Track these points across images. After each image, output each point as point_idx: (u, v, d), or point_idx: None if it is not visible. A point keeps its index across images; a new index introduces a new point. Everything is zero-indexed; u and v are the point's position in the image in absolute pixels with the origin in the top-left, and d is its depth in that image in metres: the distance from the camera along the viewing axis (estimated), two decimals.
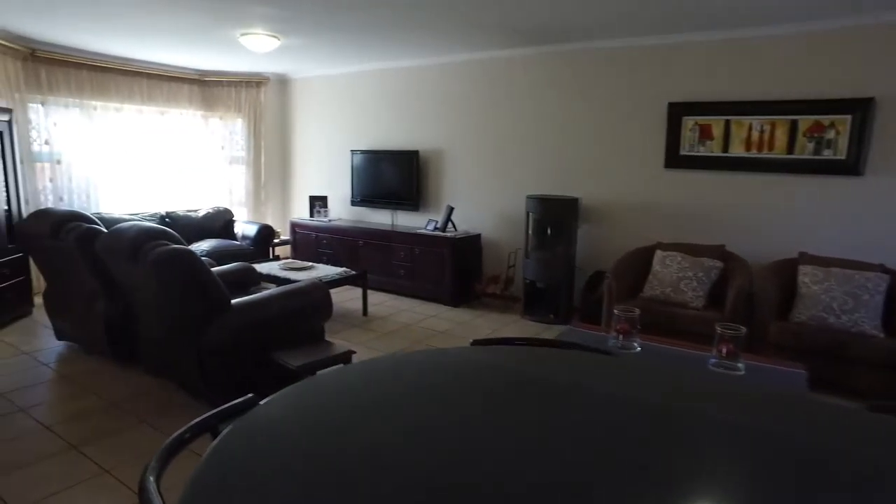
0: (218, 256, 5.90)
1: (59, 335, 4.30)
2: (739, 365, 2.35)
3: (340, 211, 7.14)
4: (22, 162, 5.34)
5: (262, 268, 5.22)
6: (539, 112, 5.50)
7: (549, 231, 5.26)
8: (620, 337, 2.47)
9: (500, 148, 5.79)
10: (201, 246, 6.07)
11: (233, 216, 6.85)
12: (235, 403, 1.13)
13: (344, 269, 5.24)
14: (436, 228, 5.88)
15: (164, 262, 2.88)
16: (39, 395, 3.46)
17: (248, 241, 6.43)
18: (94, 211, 6.14)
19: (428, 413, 1.15)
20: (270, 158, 7.58)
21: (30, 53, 5.64)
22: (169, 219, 6.29)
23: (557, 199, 5.15)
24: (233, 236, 6.59)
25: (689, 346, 2.71)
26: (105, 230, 3.54)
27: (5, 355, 4.10)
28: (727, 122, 4.57)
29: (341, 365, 3.10)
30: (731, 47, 4.50)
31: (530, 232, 5.35)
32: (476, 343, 1.62)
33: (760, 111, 4.40)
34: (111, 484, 2.55)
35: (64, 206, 5.98)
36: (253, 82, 7.25)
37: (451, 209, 5.82)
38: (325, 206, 6.99)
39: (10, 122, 4.89)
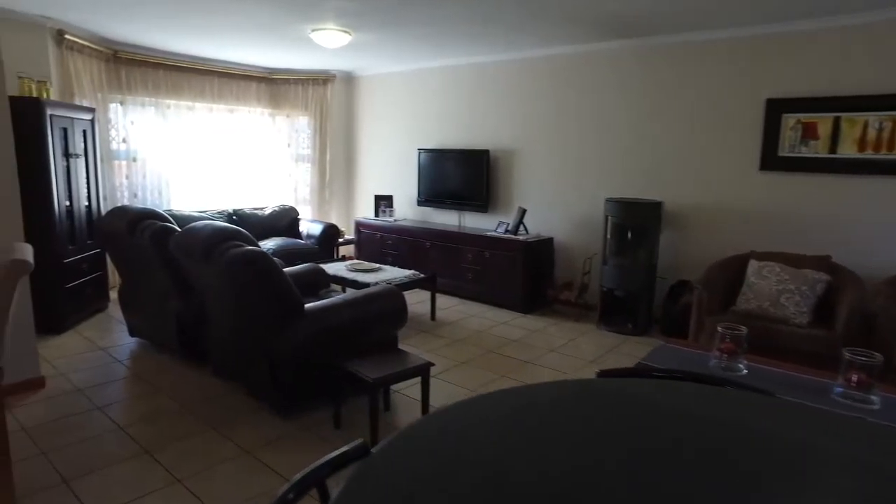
0: (284, 255, 5.87)
1: (132, 331, 4.32)
2: (873, 398, 2.03)
3: (406, 211, 7.01)
4: (102, 160, 5.44)
5: (329, 268, 5.13)
6: (620, 109, 5.18)
7: (629, 236, 4.94)
8: (724, 357, 2.18)
9: (577, 148, 5.50)
10: (267, 244, 6.05)
11: (298, 214, 6.82)
12: (345, 452, 0.94)
13: (412, 271, 5.08)
14: (507, 231, 5.65)
15: (238, 263, 2.78)
16: (114, 393, 3.44)
17: (312, 241, 6.37)
18: (165, 208, 6.23)
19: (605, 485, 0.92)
20: (335, 156, 7.53)
21: (112, 55, 5.76)
22: (236, 216, 6.31)
23: (639, 203, 4.83)
24: (298, 235, 6.55)
25: (801, 371, 2.38)
26: (178, 228, 3.49)
27: (83, 349, 4.14)
28: (836, 120, 4.14)
29: (451, 403, 2.92)
30: (842, 35, 4.07)
31: (609, 237, 5.04)
32: (603, 374, 1.38)
33: (879, 106, 3.95)
34: (182, 495, 2.45)
35: (138, 204, 6.09)
36: (320, 80, 7.21)
37: (524, 211, 5.57)
38: (391, 205, 6.87)
39: (92, 122, 4.98)
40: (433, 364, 3.00)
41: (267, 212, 6.57)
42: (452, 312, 5.41)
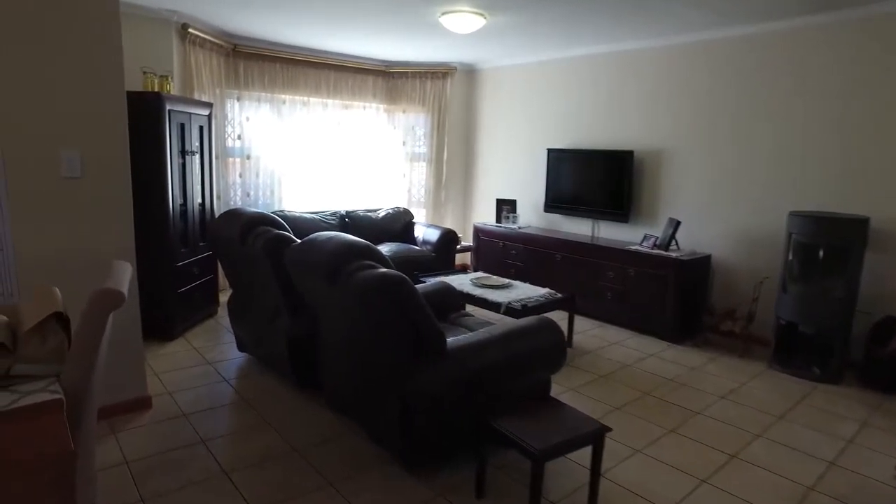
0: (399, 263, 5.37)
1: (241, 346, 3.95)
2: None
3: (530, 217, 6.32)
4: (217, 157, 5.19)
5: (451, 282, 4.56)
6: (809, 102, 4.22)
7: (820, 259, 3.98)
8: None
9: (743, 148, 4.58)
10: (381, 250, 5.58)
11: (412, 218, 6.34)
12: None
13: (547, 290, 4.39)
14: (655, 245, 4.82)
15: (372, 290, 2.23)
16: (220, 422, 3.03)
17: (429, 247, 5.85)
18: (276, 208, 5.94)
19: None
20: (453, 156, 6.98)
21: (232, 49, 5.52)
22: (349, 219, 5.90)
23: (837, 218, 3.86)
24: (412, 240, 6.06)
25: None
26: (296, 238, 3.02)
27: (190, 363, 3.82)
28: None
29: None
30: None
31: (791, 258, 4.10)
32: None
33: None
34: None
35: (250, 203, 5.83)
36: (439, 73, 6.68)
37: (677, 224, 4.72)
38: (514, 210, 6.22)
39: (209, 117, 4.71)
40: (610, 429, 2.30)
41: (381, 214, 6.13)
42: (590, 338, 4.67)
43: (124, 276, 1.63)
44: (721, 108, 4.69)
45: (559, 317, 5.02)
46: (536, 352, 2.62)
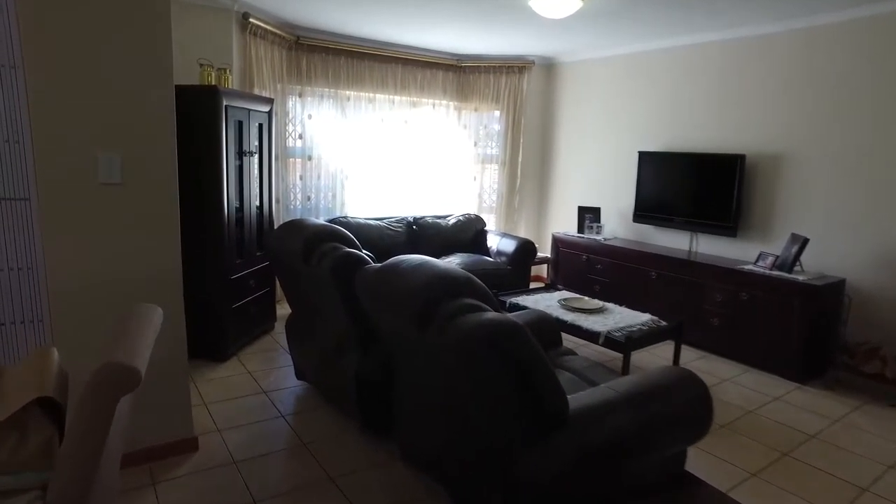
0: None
1: (299, 374, 3.50)
2: None
3: (615, 227, 5.66)
4: (277, 158, 4.79)
5: (530, 301, 3.98)
6: None
7: None
8: None
9: (893, 153, 3.80)
10: (451, 261, 5.06)
11: (485, 225, 5.79)
12: None
13: (649, 316, 3.74)
14: (774, 266, 4.10)
15: (480, 341, 1.68)
16: (275, 475, 2.56)
17: (503, 259, 5.28)
18: (339, 214, 5.50)
19: None
20: (529, 158, 6.38)
21: (295, 41, 5.12)
22: (416, 226, 5.40)
23: None
24: (485, 250, 5.51)
25: None
26: (370, 258, 2.52)
27: (243, 391, 3.39)
28: None
29: None
30: None
31: None
32: None
33: None
34: None
35: (310, 207, 5.41)
36: (515, 67, 6.10)
37: (805, 241, 3.98)
38: (598, 219, 5.58)
39: (270, 114, 4.29)
40: None
41: (451, 221, 5.60)
42: (696, 373, 3.99)
43: (147, 330, 1.14)
44: (859, 105, 3.92)
45: (664, 349, 4.38)
46: (676, 416, 2.02)
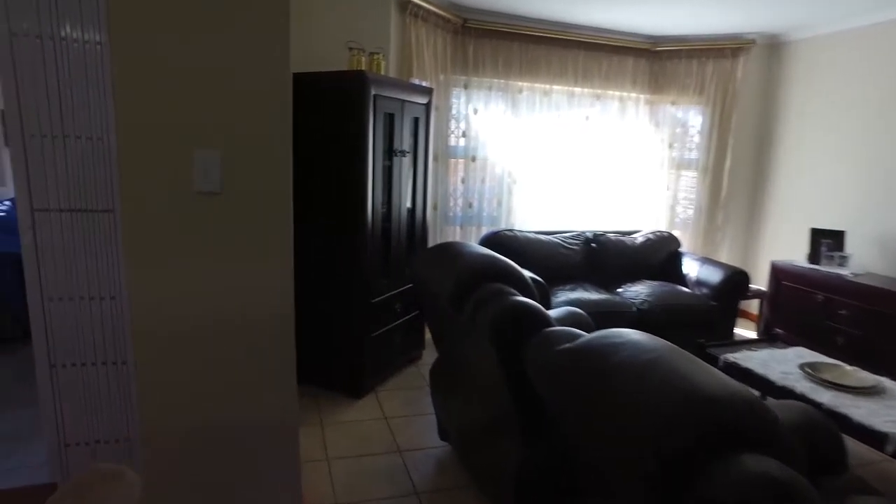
0: (663, 312, 3.81)
1: (443, 433, 2.76)
2: None
3: (865, 257, 4.19)
4: (435, 158, 4.14)
5: (760, 363, 2.87)
6: None
7: None
8: None
9: None
10: (638, 292, 4.04)
11: (679, 246, 4.67)
12: None
13: None
14: None
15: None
16: None
17: (705, 291, 4.12)
18: (504, 225, 4.73)
19: None
20: (739, 163, 5.07)
21: (461, 24, 4.44)
22: (596, 243, 4.45)
23: None
24: (680, 278, 4.39)
25: None
26: (549, 318, 1.67)
27: (375, 444, 2.75)
28: None
29: None
30: None
31: None
32: None
33: None
34: None
35: (472, 215, 4.71)
36: (727, 49, 4.85)
37: None
38: (841, 247, 4.18)
39: (427, 107, 3.63)
40: None
41: (637, 240, 4.56)
42: None
43: None
44: None
45: None
46: None
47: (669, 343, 1.25)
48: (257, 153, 1.76)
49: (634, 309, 3.85)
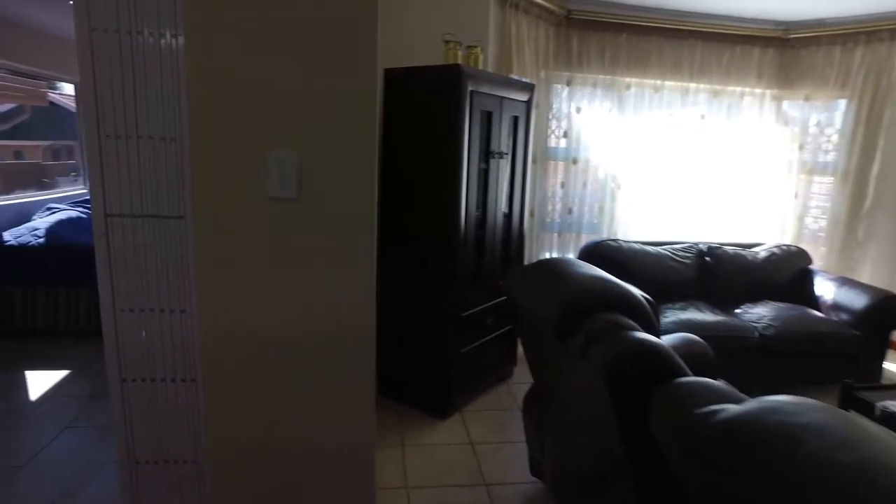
0: (791, 338, 3.30)
1: (534, 468, 2.46)
2: None
3: None
4: (535, 160, 3.85)
5: None
6: None
7: None
8: None
9: None
10: (760, 314, 3.54)
11: (810, 263, 4.08)
12: None
13: None
14: None
15: None
16: None
17: (845, 317, 3.54)
18: (605, 234, 4.34)
19: None
20: (890, 168, 4.37)
21: (565, 15, 4.11)
22: (710, 257, 3.97)
23: None
24: (810, 299, 3.81)
25: None
26: (682, 366, 1.34)
27: (460, 475, 2.51)
28: None
29: None
30: None
31: None
32: None
33: None
34: None
35: (571, 222, 4.37)
36: (882, 31, 4.17)
37: None
38: None
39: (528, 104, 3.34)
40: None
41: (760, 254, 4.02)
42: None
43: None
44: None
45: None
46: None
47: (868, 426, 0.90)
48: (339, 155, 1.56)
49: (756, 334, 3.36)
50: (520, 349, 3.78)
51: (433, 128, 2.76)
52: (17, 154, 7.45)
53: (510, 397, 3.33)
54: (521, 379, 3.55)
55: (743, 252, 4.01)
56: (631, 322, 1.52)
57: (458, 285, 2.88)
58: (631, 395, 1.37)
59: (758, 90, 4.54)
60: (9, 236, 4.25)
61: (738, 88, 4.51)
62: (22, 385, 3.34)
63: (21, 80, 5.14)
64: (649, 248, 3.91)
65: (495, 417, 3.08)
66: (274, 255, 1.58)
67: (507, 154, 3.17)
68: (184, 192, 1.55)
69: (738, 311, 3.68)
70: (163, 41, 1.50)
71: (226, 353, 1.62)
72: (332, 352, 1.67)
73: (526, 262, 3.71)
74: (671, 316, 3.41)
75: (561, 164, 4.31)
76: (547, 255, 4.44)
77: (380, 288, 1.70)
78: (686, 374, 1.28)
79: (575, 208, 4.36)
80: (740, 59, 4.46)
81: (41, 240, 4.21)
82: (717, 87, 4.49)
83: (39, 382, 3.35)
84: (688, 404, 1.10)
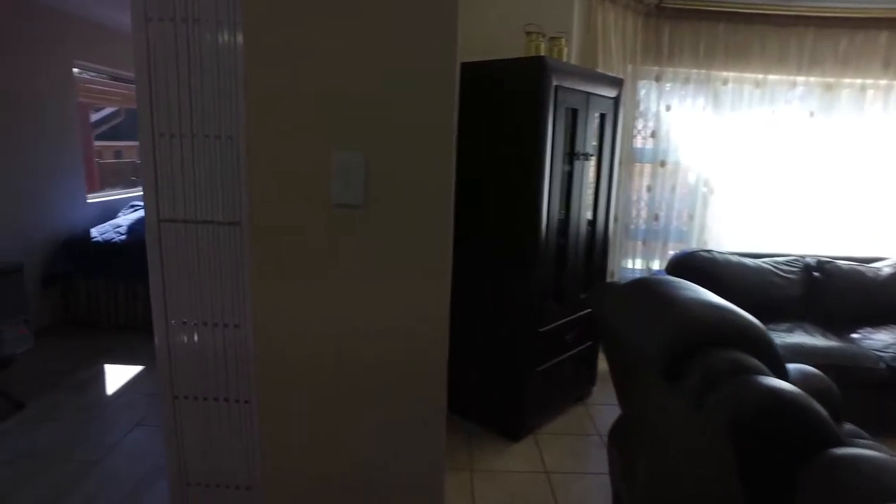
0: None
1: (618, 502, 2.20)
2: None
3: None
4: (620, 162, 3.54)
5: None
6: None
7: None
8: None
9: None
10: (885, 341, 3.09)
11: None
12: None
13: None
14: None
15: None
16: None
17: None
18: (695, 243, 3.98)
19: None
20: None
21: (655, 5, 3.79)
22: (821, 272, 3.52)
23: None
24: None
25: None
26: (835, 428, 1.06)
27: None
28: None
29: None
30: None
31: None
32: None
33: None
34: None
35: (657, 228, 4.03)
36: None
37: None
38: None
39: (616, 101, 3.05)
40: None
41: (882, 271, 3.53)
42: None
43: None
44: None
45: None
46: None
47: None
48: (411, 157, 1.37)
49: (883, 365, 2.91)
50: (601, 366, 3.50)
51: (513, 126, 2.53)
52: (117, 154, 7.79)
53: (588, 420, 3.06)
54: (601, 399, 3.27)
55: (860, 268, 3.53)
56: (757, 362, 1.24)
57: (537, 298, 2.64)
58: (764, 464, 1.10)
59: (883, 81, 4.01)
60: (95, 233, 4.38)
61: (858, 80, 4.00)
62: (101, 379, 3.40)
63: (118, 85, 5.36)
64: (748, 261, 3.51)
65: (572, 443, 2.82)
66: (337, 265, 1.41)
67: (592, 155, 2.90)
68: (240, 195, 1.41)
69: (854, 336, 3.23)
70: (220, 31, 1.36)
71: (282, 373, 1.47)
72: (400, 368, 1.49)
73: (609, 271, 3.42)
74: (776, 339, 3.02)
75: (647, 167, 3.98)
76: (630, 265, 4.12)
77: (452, 299, 1.51)
78: (839, 440, 1.00)
79: (662, 214, 4.01)
80: (862, 46, 3.95)
81: (123, 237, 4.30)
82: (831, 79, 4.01)
83: (116, 377, 3.40)
84: (856, 495, 0.83)
